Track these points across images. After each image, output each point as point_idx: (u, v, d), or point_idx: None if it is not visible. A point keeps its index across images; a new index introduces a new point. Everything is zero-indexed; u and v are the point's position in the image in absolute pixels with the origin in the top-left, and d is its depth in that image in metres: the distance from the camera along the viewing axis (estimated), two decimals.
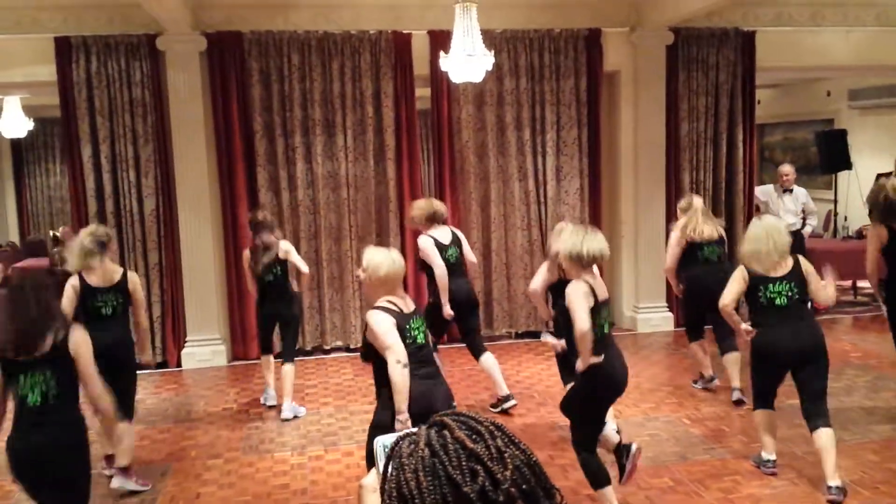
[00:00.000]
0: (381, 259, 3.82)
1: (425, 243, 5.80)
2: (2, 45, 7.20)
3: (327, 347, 7.90)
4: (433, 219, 5.90)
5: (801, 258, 4.56)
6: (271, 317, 6.15)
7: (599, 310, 3.90)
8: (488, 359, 5.94)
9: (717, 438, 5.27)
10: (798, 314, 4.46)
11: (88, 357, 3.43)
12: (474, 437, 1.13)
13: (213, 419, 6.09)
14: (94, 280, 4.80)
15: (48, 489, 3.37)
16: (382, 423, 3.63)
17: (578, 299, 3.83)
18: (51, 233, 12.81)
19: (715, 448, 5.12)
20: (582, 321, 3.79)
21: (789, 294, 4.42)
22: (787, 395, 6.03)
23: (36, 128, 11.57)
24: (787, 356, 4.43)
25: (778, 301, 4.42)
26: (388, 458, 1.18)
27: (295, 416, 6.01)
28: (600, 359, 3.85)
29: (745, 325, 4.54)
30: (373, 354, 3.73)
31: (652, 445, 5.17)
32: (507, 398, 5.97)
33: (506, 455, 1.11)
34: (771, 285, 4.44)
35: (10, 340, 3.33)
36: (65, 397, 3.39)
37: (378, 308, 3.76)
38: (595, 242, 3.95)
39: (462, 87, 7.53)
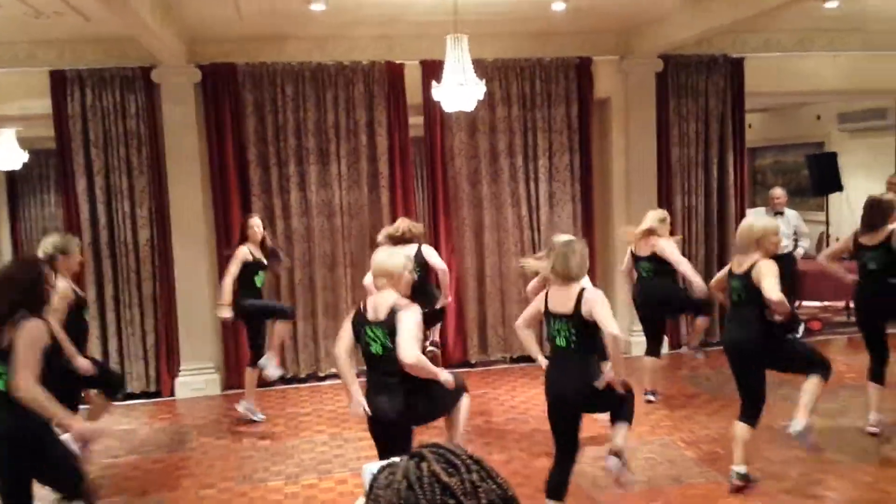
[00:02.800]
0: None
1: None
2: None
3: (322, 375, 7.90)
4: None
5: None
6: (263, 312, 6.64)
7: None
8: None
9: (711, 461, 5.27)
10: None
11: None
12: (450, 470, 1.13)
13: (207, 449, 6.07)
14: None
15: None
16: None
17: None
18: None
19: (709, 471, 5.11)
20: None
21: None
22: (782, 416, 6.06)
23: (31, 159, 11.60)
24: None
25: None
26: (370, 489, 1.18)
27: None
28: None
29: None
30: None
31: (647, 469, 5.16)
32: None
33: (480, 489, 1.11)
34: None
35: None
36: None
37: None
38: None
39: (455, 115, 7.60)
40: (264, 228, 6.60)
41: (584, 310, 3.95)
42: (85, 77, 7.25)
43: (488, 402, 6.94)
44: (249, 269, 6.38)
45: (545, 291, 4.23)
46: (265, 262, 6.48)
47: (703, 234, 8.46)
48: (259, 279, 6.46)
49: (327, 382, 7.82)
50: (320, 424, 6.52)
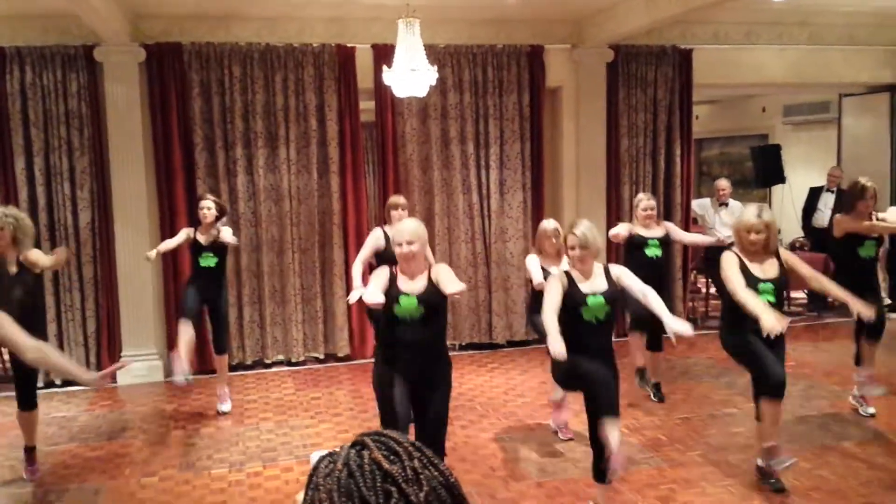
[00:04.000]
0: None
1: None
2: None
3: (268, 362, 7.81)
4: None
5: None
6: (202, 299, 6.25)
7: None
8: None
9: (654, 447, 5.35)
10: None
11: None
12: (392, 457, 1.12)
13: (149, 436, 5.96)
14: None
15: None
16: None
17: None
18: None
19: (652, 457, 5.19)
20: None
21: None
22: (724, 403, 6.20)
23: None
24: None
25: None
26: (310, 477, 1.16)
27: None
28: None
29: None
30: None
31: (590, 456, 5.20)
32: None
33: (422, 476, 1.10)
34: None
35: None
36: None
37: None
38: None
39: (406, 100, 7.56)
40: (222, 212, 6.24)
41: None
42: (25, 54, 7.01)
43: None
44: (192, 249, 6.23)
45: None
46: (205, 244, 6.13)
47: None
48: (203, 260, 6.15)
49: (273, 369, 7.74)
50: (266, 412, 6.45)
